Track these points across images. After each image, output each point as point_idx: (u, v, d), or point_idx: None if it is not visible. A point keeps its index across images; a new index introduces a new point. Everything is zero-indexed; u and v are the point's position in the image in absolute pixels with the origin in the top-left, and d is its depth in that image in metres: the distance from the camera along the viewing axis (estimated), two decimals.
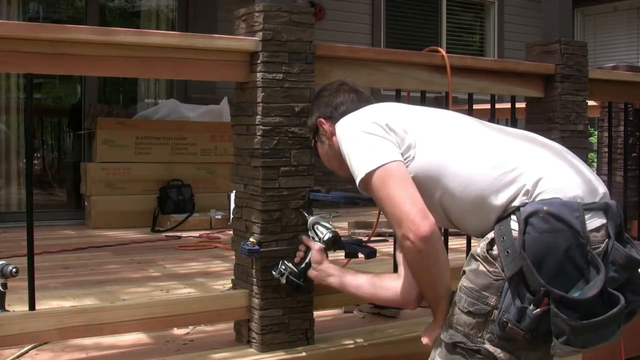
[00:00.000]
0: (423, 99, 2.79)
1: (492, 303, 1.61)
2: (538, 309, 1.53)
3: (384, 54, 3.11)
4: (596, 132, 5.42)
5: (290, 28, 2.29)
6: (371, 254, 2.26)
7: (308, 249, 2.16)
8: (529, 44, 3.24)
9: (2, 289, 2.29)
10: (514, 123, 3.12)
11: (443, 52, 2.72)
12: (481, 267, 1.64)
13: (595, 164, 5.28)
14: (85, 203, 5.52)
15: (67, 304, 2.63)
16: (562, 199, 1.60)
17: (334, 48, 2.52)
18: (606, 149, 3.71)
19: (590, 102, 3.41)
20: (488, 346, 1.61)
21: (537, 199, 1.62)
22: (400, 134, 1.78)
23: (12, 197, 5.81)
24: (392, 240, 2.69)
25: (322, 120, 2.04)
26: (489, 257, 1.63)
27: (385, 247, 2.59)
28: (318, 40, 2.38)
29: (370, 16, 7.49)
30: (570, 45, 3.09)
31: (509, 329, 1.56)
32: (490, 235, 1.66)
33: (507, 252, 1.59)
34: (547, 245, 1.55)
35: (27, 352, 2.25)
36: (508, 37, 8.47)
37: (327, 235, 2.17)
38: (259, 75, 2.26)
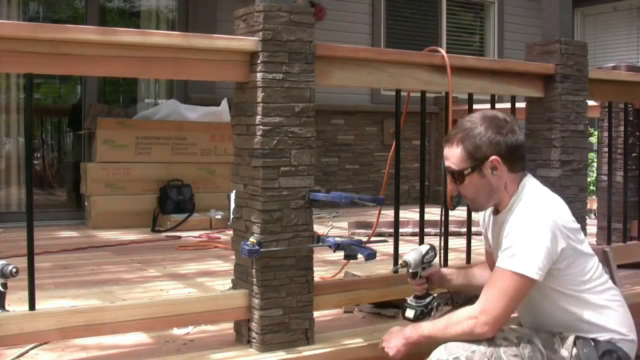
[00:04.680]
0: (423, 99, 2.79)
1: None
2: None
3: (384, 54, 3.11)
4: (596, 132, 5.41)
5: (290, 28, 2.29)
6: (371, 255, 2.27)
7: (427, 279, 2.39)
8: (529, 44, 3.24)
9: (2, 289, 2.28)
10: None
11: (443, 52, 2.72)
12: None
13: (595, 164, 5.28)
14: (85, 203, 5.52)
15: (67, 304, 2.62)
16: (634, 344, 2.11)
17: (334, 48, 2.52)
18: (606, 149, 3.70)
19: (590, 102, 3.40)
20: None
21: (614, 340, 2.07)
22: (560, 254, 2.02)
23: (12, 197, 5.81)
24: (392, 240, 2.69)
25: (499, 160, 2.09)
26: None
27: (385, 247, 2.59)
28: (318, 40, 2.38)
29: (370, 16, 7.48)
30: (570, 45, 3.09)
31: None
32: (572, 345, 2.07)
33: None
34: None
35: (27, 352, 2.25)
36: (508, 37, 8.47)
37: (435, 252, 2.42)
38: (259, 75, 2.26)
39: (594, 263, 2.13)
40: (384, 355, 2.18)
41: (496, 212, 2.21)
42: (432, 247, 2.41)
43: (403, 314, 2.37)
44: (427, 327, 2.13)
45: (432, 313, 2.33)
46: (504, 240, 2.06)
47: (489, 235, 2.32)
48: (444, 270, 2.48)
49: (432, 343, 2.07)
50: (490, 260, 2.36)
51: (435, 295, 2.41)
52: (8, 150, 5.87)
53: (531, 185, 2.15)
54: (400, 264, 2.38)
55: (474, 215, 2.87)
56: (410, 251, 2.40)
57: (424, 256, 2.37)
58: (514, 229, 2.04)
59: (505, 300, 1.99)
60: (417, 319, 2.31)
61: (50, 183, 6.76)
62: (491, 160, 2.08)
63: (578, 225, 2.12)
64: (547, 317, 2.13)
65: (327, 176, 6.81)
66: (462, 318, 2.03)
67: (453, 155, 2.13)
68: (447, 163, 2.16)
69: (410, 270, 2.37)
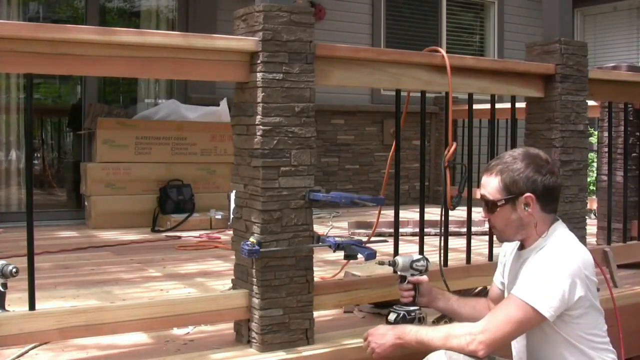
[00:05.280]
0: (423, 99, 2.79)
1: None
2: None
3: (384, 54, 3.11)
4: (596, 132, 5.41)
5: (290, 28, 2.29)
6: (370, 255, 2.27)
7: (414, 287, 2.40)
8: (529, 44, 3.24)
9: (2, 289, 2.29)
10: (514, 123, 3.12)
11: (443, 52, 2.72)
12: None
13: (595, 164, 5.27)
14: (85, 203, 5.52)
15: (67, 304, 2.62)
16: None
17: (334, 48, 2.52)
18: (606, 149, 3.70)
19: (590, 102, 3.40)
20: None
21: None
22: (576, 301, 2.01)
23: (12, 197, 5.81)
24: (392, 240, 2.69)
25: (534, 198, 2.10)
26: None
27: (385, 247, 2.59)
28: (318, 40, 2.38)
29: (370, 16, 7.48)
30: (570, 45, 3.09)
31: None
32: None
33: None
34: None
35: (27, 352, 2.25)
36: (508, 37, 8.46)
37: (427, 264, 2.43)
38: (259, 75, 2.26)
39: (603, 321, 2.14)
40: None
41: (521, 247, 2.22)
42: (425, 258, 2.44)
43: (386, 317, 2.40)
44: (423, 333, 2.12)
45: (415, 323, 2.33)
46: (524, 271, 2.08)
47: (506, 270, 2.31)
48: (436, 289, 2.46)
49: (423, 350, 2.08)
50: (495, 293, 2.37)
51: (421, 308, 2.42)
52: (8, 150, 5.86)
53: (562, 231, 2.17)
54: (389, 262, 2.41)
55: (474, 215, 2.87)
56: (403, 254, 2.45)
57: (413, 262, 2.40)
58: (537, 264, 2.05)
59: (509, 327, 2.00)
60: (397, 322, 2.33)
61: (50, 183, 6.76)
62: (525, 196, 2.10)
63: (597, 281, 2.14)
64: (542, 357, 2.13)
65: (327, 176, 6.81)
66: (461, 333, 2.03)
67: (490, 184, 2.16)
68: (482, 191, 2.19)
69: (399, 273, 2.40)
